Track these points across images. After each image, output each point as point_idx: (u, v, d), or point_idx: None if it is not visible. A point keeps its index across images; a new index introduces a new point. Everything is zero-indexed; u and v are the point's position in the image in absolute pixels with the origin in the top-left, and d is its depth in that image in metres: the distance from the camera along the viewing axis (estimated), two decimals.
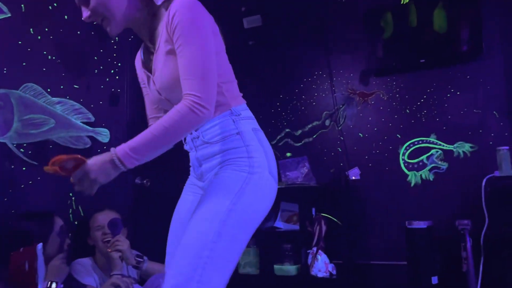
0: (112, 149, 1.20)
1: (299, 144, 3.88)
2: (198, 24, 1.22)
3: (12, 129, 2.33)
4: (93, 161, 1.19)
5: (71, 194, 2.64)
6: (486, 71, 3.28)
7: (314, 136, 3.83)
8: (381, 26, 3.50)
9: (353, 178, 3.59)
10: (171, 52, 1.26)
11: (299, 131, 3.88)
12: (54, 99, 2.58)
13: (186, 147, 1.44)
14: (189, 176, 1.51)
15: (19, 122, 2.36)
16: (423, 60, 3.38)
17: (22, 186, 2.39)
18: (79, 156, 1.21)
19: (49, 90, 2.57)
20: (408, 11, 3.40)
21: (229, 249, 1.19)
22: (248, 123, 1.36)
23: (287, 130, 3.92)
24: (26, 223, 2.09)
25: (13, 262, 1.68)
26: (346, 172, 3.62)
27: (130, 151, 1.19)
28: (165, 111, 1.43)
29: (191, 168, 1.48)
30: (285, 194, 3.31)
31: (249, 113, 1.40)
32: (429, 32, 3.34)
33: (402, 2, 3.06)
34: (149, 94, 1.48)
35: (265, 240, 3.59)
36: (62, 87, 2.66)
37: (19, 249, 1.70)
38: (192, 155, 1.42)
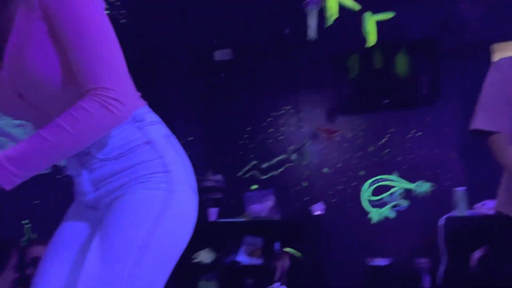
0: None
1: (265, 176, 3.90)
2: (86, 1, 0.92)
3: None
4: None
5: (27, 221, 2.54)
6: (445, 114, 3.45)
7: (280, 170, 3.87)
8: (347, 67, 3.64)
9: (318, 213, 3.62)
10: (40, 36, 0.93)
11: (266, 164, 3.92)
12: (15, 121, 2.52)
13: (70, 171, 1.09)
14: (73, 204, 1.18)
15: None
16: (387, 101, 3.53)
17: None
18: None
19: None
20: (373, 54, 3.56)
21: None
22: (157, 128, 1.07)
23: (254, 162, 3.94)
24: None
25: None
26: (310, 207, 3.65)
27: (7, 162, 0.89)
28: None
29: (77, 195, 1.14)
30: (249, 227, 3.29)
31: (154, 116, 1.10)
32: (392, 75, 3.50)
33: (366, 46, 3.21)
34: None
35: (226, 275, 3.54)
36: None
37: None
38: (82, 180, 1.06)
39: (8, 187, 0.89)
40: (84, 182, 1.06)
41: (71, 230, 1.12)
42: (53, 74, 0.93)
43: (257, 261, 3.52)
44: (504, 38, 3.24)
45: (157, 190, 1.00)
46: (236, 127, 4.01)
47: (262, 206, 3.70)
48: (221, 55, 4.01)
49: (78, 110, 0.90)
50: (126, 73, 0.95)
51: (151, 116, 1.08)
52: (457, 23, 3.40)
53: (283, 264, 3.32)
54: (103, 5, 0.96)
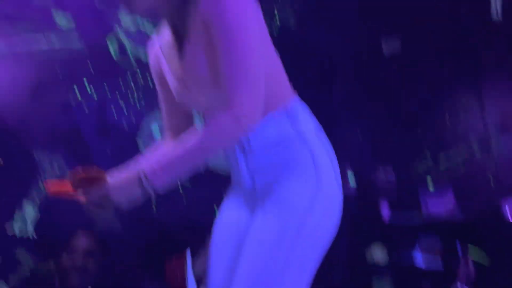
0: (136, 168, 1.04)
1: (443, 170, 3.55)
2: (241, 10, 1.01)
3: None
4: (114, 180, 1.03)
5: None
6: None
7: (461, 163, 3.47)
8: None
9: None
10: (207, 44, 1.05)
11: (444, 156, 3.56)
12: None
13: (229, 159, 1.19)
14: (230, 192, 1.27)
15: None
16: None
17: None
18: (97, 169, 1.05)
19: None
20: None
21: (298, 279, 1.04)
22: (308, 121, 1.14)
23: (430, 154, 3.62)
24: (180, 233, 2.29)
25: (168, 271, 1.82)
26: (502, 208, 3.18)
27: (159, 167, 1.01)
28: (185, 119, 1.26)
29: (233, 184, 1.24)
30: (425, 227, 3.05)
31: (306, 108, 1.16)
32: None
33: None
34: (170, 94, 1.23)
35: (401, 277, 3.36)
36: None
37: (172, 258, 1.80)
38: (240, 168, 1.15)
39: (160, 188, 1.02)
40: (242, 170, 1.15)
41: (231, 220, 1.22)
42: (210, 78, 1.08)
43: (435, 265, 3.25)
44: None
45: (307, 184, 1.08)
46: (409, 113, 3.73)
47: (441, 204, 3.39)
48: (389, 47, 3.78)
49: (210, 123, 1.04)
50: (263, 91, 1.03)
51: (303, 108, 1.15)
52: None
53: (467, 271, 2.98)
54: (259, 12, 1.06)
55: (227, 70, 1.01)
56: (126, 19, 3.15)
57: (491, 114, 3.38)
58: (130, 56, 3.09)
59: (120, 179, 1.03)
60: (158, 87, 1.28)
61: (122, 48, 3.11)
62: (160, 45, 1.23)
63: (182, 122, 1.27)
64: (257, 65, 1.01)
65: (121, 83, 3.09)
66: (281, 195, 1.08)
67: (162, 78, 1.24)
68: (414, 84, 3.73)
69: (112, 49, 3.06)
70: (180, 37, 1.12)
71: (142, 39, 3.01)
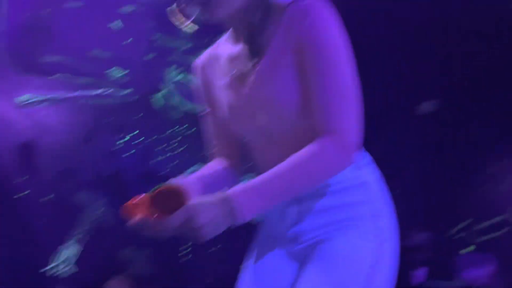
0: (225, 193, 0.87)
1: (484, 238, 3.44)
2: (336, 34, 0.94)
3: None
4: (199, 202, 0.85)
5: None
6: None
7: (501, 231, 3.35)
8: None
9: None
10: (290, 65, 0.95)
11: (484, 224, 3.46)
12: None
13: None
14: (259, 239, 1.11)
15: None
16: None
17: None
18: (180, 187, 0.86)
19: None
20: None
21: None
22: (372, 170, 1.02)
23: (470, 220, 3.53)
24: None
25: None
26: None
27: (252, 192, 0.87)
28: (234, 144, 1.11)
29: (268, 222, 1.09)
30: None
31: (369, 156, 1.05)
32: None
33: None
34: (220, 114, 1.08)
35: None
36: None
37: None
38: (289, 210, 1.01)
39: (248, 217, 0.87)
40: (292, 212, 1.01)
41: (265, 268, 1.06)
42: (290, 103, 0.96)
43: None
44: None
45: (368, 240, 0.96)
46: (448, 178, 3.69)
47: (480, 272, 3.25)
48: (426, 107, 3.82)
49: (319, 152, 0.91)
50: (361, 120, 0.94)
51: (367, 156, 1.05)
52: None
53: None
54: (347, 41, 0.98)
55: (332, 97, 0.91)
56: (174, 74, 3.38)
57: None
58: (179, 108, 3.27)
59: (205, 202, 0.85)
60: (207, 106, 1.12)
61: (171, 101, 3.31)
62: (218, 57, 1.08)
63: (232, 147, 1.12)
64: (357, 93, 0.94)
65: (168, 133, 3.26)
66: (338, 249, 0.96)
67: (211, 94, 1.09)
68: (458, 150, 3.71)
69: (161, 101, 3.27)
70: (253, 51, 1.00)
71: (190, 93, 3.20)
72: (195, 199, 0.86)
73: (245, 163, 1.13)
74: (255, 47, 1.00)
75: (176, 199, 0.84)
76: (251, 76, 0.99)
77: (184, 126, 3.32)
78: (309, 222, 0.99)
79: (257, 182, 0.90)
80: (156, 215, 0.84)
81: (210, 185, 1.02)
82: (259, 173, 0.99)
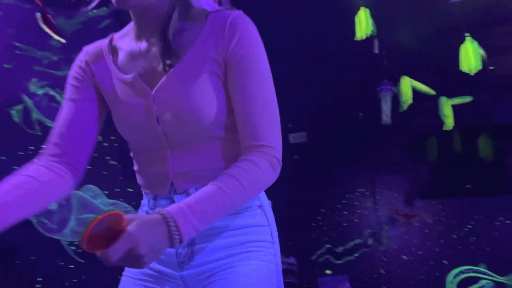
0: (160, 211, 0.80)
1: (340, 262, 3.77)
2: (263, 50, 0.94)
3: (68, 227, 2.45)
4: (139, 228, 0.75)
5: None
6: None
7: (355, 255, 3.73)
8: (426, 150, 3.58)
9: None
10: (210, 74, 0.91)
11: (341, 248, 3.80)
12: (109, 200, 2.73)
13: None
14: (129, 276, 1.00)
15: (75, 221, 2.49)
16: (469, 186, 3.37)
17: (67, 284, 2.43)
18: (115, 213, 0.75)
19: (106, 192, 2.73)
20: (452, 138, 3.49)
21: None
22: (264, 194, 1.01)
23: (328, 246, 3.85)
24: None
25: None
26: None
27: (190, 212, 0.80)
28: (84, 150, 0.98)
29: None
30: None
31: None
32: (474, 159, 3.38)
33: (445, 129, 3.17)
34: (89, 107, 0.98)
35: None
36: (118, 190, 2.83)
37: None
38: None
39: (187, 237, 0.79)
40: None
41: None
42: (207, 112, 0.90)
43: None
44: None
45: (268, 263, 0.93)
46: (309, 208, 4.00)
47: None
48: (295, 138, 4.13)
49: (251, 166, 0.87)
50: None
51: None
52: None
53: None
54: None
55: (263, 113, 0.90)
56: (35, 87, 3.10)
57: (382, 210, 3.76)
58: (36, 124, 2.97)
59: (143, 227, 0.76)
60: (75, 95, 0.98)
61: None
62: (115, 50, 0.99)
63: (81, 151, 0.97)
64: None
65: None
66: (242, 274, 0.90)
67: (93, 86, 0.98)
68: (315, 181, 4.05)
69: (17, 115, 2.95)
70: (166, 51, 0.92)
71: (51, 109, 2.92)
72: (133, 224, 0.75)
73: (83, 173, 0.99)
74: (169, 48, 0.92)
75: (114, 226, 0.75)
76: (162, 78, 0.92)
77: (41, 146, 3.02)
78: (201, 245, 0.93)
79: (194, 200, 0.83)
80: (97, 247, 0.74)
81: (28, 196, 0.87)
82: (148, 183, 0.95)
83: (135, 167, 1.02)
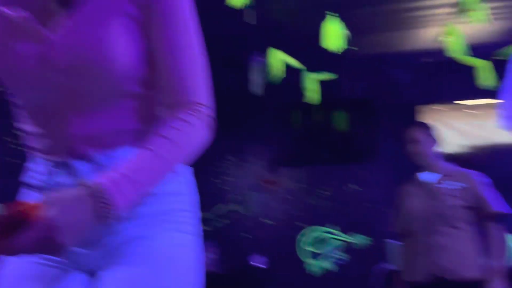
0: (87, 183, 0.69)
1: (207, 228, 3.83)
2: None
3: None
4: (57, 211, 0.64)
5: None
6: (381, 170, 3.65)
7: (221, 220, 3.82)
8: (291, 121, 3.79)
9: (258, 265, 3.59)
10: (126, 19, 0.77)
11: (207, 214, 3.86)
12: None
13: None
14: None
15: None
16: (327, 156, 3.68)
17: None
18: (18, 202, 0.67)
19: None
20: (315, 111, 3.74)
21: None
22: None
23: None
24: None
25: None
26: (251, 260, 3.61)
27: (123, 180, 0.70)
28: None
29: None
30: None
31: None
32: (333, 131, 3.69)
33: (309, 102, 3.37)
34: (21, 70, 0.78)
35: None
36: None
37: None
38: None
39: (124, 208, 0.69)
40: None
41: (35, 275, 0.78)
42: (123, 67, 0.76)
43: None
44: (431, 102, 3.56)
45: (189, 234, 0.83)
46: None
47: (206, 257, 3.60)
48: None
49: (186, 126, 0.77)
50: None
51: None
52: (392, 86, 3.70)
53: None
54: None
55: (193, 68, 0.80)
56: None
57: (248, 177, 3.89)
58: None
59: (66, 202, 0.65)
60: None
61: None
62: None
63: None
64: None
65: None
66: (160, 250, 0.78)
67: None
68: None
69: None
70: None
71: None
72: (49, 207, 0.64)
73: None
74: None
75: (18, 213, 0.64)
76: (63, 21, 0.76)
77: None
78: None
79: (127, 167, 0.71)
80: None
81: None
82: (43, 146, 0.78)
83: (23, 127, 0.83)
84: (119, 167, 0.71)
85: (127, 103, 0.79)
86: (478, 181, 2.17)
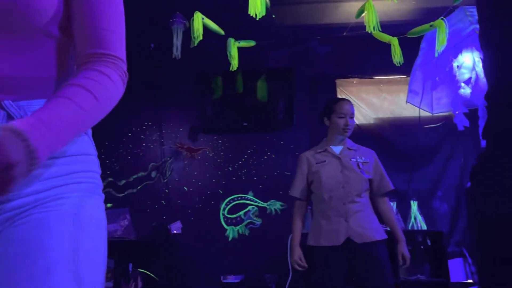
0: (6, 126, 0.63)
1: (122, 195, 3.73)
2: None
3: None
4: None
5: None
6: (296, 139, 3.76)
7: (138, 187, 3.74)
8: (212, 88, 3.74)
9: (175, 232, 3.58)
10: None
11: (123, 181, 3.75)
12: None
13: None
14: None
15: None
16: (246, 124, 3.70)
17: None
18: None
19: None
20: (236, 79, 3.73)
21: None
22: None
23: (110, 179, 3.74)
24: None
25: None
26: (168, 226, 3.60)
27: (44, 127, 0.65)
28: None
29: None
30: None
31: None
32: (252, 99, 3.70)
33: (230, 69, 3.34)
34: None
35: None
36: None
37: None
38: None
39: (43, 152, 0.64)
40: None
41: None
42: (43, 4, 0.71)
43: (107, 284, 3.32)
44: (346, 75, 3.69)
45: (98, 195, 0.82)
46: (94, 141, 3.77)
47: (117, 225, 3.52)
48: None
49: (103, 78, 0.75)
50: None
51: None
52: (310, 58, 3.77)
53: (136, 285, 3.19)
54: None
55: (110, 17, 0.78)
56: None
57: (167, 143, 3.82)
58: None
59: None
60: None
61: None
62: None
63: None
64: None
65: None
66: (73, 211, 0.75)
67: None
68: None
69: None
70: None
71: None
72: None
73: None
74: None
75: None
76: None
77: None
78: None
79: (46, 114, 0.66)
80: None
81: None
82: None
83: None
84: (34, 113, 0.68)
85: (44, 46, 0.76)
86: (377, 158, 2.40)
